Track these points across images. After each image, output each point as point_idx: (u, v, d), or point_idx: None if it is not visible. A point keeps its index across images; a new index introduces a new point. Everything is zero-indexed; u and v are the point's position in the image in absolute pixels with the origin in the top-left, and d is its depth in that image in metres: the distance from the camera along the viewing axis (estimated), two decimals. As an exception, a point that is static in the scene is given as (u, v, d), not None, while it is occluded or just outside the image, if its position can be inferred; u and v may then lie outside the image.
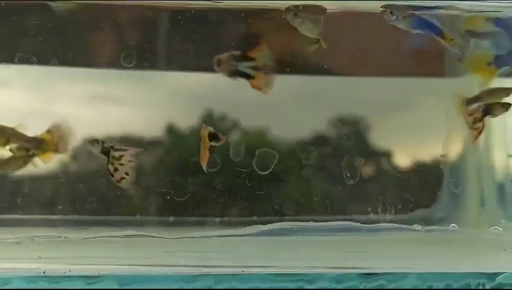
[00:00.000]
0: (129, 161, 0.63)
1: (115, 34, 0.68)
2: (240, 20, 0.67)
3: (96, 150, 0.64)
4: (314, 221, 0.66)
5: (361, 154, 0.68)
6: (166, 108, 0.69)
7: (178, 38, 0.67)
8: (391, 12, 0.63)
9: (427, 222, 0.69)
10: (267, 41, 0.64)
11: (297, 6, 0.61)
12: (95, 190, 0.65)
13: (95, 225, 0.63)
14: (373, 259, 0.66)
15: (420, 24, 0.65)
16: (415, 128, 0.74)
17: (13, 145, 0.63)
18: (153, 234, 0.63)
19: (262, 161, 0.65)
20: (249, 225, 0.65)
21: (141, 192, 0.66)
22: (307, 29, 0.62)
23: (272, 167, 0.65)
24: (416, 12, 0.64)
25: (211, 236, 0.64)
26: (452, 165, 0.74)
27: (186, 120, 0.68)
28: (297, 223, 0.65)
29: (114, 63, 0.67)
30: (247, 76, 0.64)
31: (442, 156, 0.73)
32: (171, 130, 0.68)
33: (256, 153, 0.64)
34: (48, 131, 0.65)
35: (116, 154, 0.64)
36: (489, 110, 0.69)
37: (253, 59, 0.64)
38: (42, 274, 0.59)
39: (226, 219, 0.65)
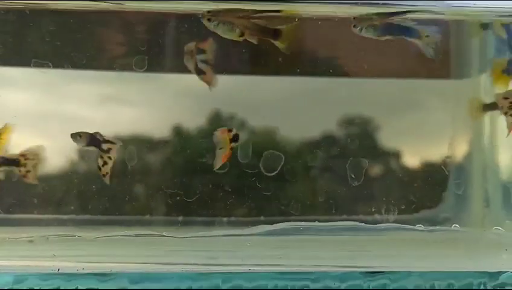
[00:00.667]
0: (114, 156, 0.65)
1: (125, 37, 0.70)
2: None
3: (81, 144, 0.65)
4: (319, 221, 0.67)
5: (368, 156, 0.70)
6: (173, 109, 0.71)
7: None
8: (354, 26, 0.65)
9: (432, 222, 0.71)
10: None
11: (210, 12, 0.64)
12: (106, 190, 0.67)
13: (107, 225, 0.65)
14: (376, 258, 0.67)
15: (390, 30, 0.66)
16: (421, 130, 0.75)
17: None
18: (163, 233, 0.65)
19: (269, 162, 0.67)
20: (256, 225, 0.66)
21: (151, 192, 0.68)
22: (223, 32, 0.65)
23: (279, 168, 0.66)
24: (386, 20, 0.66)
25: (219, 235, 0.66)
26: (457, 166, 0.75)
27: (193, 121, 0.70)
28: (303, 223, 0.67)
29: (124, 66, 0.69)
30: (200, 72, 0.67)
31: (448, 157, 0.74)
32: (179, 131, 0.70)
33: (263, 155, 0.66)
34: (23, 155, 0.66)
35: (105, 146, 0.66)
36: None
37: (204, 52, 0.67)
38: (56, 272, 0.62)
39: (233, 218, 0.67)
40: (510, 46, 0.72)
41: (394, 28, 0.66)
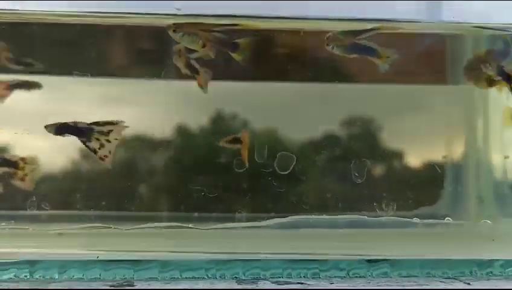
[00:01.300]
0: (115, 139, 0.70)
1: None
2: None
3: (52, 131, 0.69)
4: (327, 215, 0.75)
5: (370, 155, 0.77)
6: (199, 112, 0.77)
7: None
8: (327, 44, 0.73)
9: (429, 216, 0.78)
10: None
11: (175, 24, 0.70)
12: (141, 187, 0.74)
13: (140, 218, 0.73)
14: (378, 248, 0.75)
15: (356, 49, 0.74)
16: (421, 131, 0.82)
17: None
18: (189, 225, 0.73)
19: (281, 162, 0.74)
20: (270, 219, 0.74)
21: (181, 190, 0.75)
22: (187, 42, 0.71)
23: (291, 168, 0.74)
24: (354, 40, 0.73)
25: (239, 228, 0.74)
26: (453, 165, 0.82)
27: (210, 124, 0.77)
28: (312, 216, 0.75)
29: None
30: (195, 71, 0.73)
31: (444, 157, 0.82)
32: (202, 133, 0.77)
33: (277, 155, 0.74)
34: (23, 159, 0.71)
35: (105, 129, 0.70)
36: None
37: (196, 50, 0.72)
38: (96, 259, 0.70)
39: (250, 213, 0.75)
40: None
41: (359, 48, 0.74)
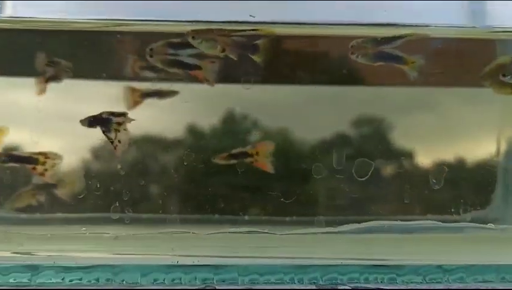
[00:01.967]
0: (124, 130, 0.71)
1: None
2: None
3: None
4: (402, 221, 0.75)
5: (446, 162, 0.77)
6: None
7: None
8: (352, 52, 0.73)
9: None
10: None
11: (195, 31, 0.71)
12: (222, 192, 0.75)
13: (219, 223, 0.74)
14: (453, 254, 0.75)
15: (381, 57, 0.74)
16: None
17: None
18: (266, 231, 0.74)
19: (360, 168, 0.74)
20: (346, 224, 0.74)
21: (258, 195, 0.76)
22: (206, 48, 0.72)
23: (369, 173, 0.74)
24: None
25: (315, 233, 0.74)
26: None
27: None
28: (387, 222, 0.75)
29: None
30: (189, 66, 0.73)
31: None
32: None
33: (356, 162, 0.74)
34: (44, 154, 0.72)
35: (120, 119, 0.71)
36: None
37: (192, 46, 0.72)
38: (176, 263, 0.71)
39: (328, 218, 0.75)
40: None
41: (384, 55, 0.74)
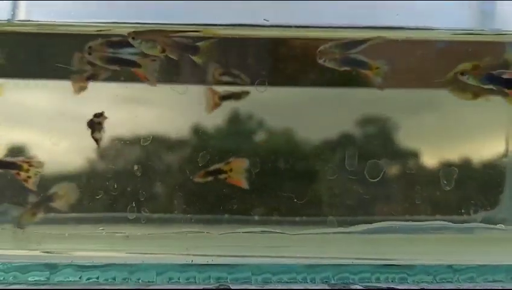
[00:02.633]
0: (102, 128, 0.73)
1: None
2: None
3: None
4: (413, 221, 0.76)
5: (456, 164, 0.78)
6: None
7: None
8: (319, 58, 0.75)
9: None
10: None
11: (135, 32, 0.72)
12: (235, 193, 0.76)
13: (232, 223, 0.75)
14: (463, 254, 0.76)
15: (347, 62, 0.75)
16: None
17: None
18: (278, 231, 0.75)
19: (371, 170, 0.76)
20: (358, 224, 0.76)
21: (267, 196, 0.77)
22: (146, 48, 0.73)
23: (381, 174, 0.76)
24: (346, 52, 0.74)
25: (326, 233, 0.76)
26: None
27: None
28: (398, 222, 0.76)
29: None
30: (130, 63, 0.74)
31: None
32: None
33: (367, 163, 0.75)
34: (27, 162, 0.73)
35: (101, 119, 0.74)
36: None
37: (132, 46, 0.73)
38: (190, 263, 0.72)
39: (339, 218, 0.76)
40: None
41: (349, 60, 0.75)
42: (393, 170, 0.77)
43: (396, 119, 0.78)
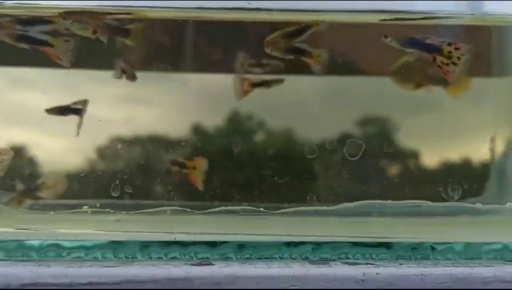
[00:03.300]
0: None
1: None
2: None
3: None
4: (392, 200, 0.78)
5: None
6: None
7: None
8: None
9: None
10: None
11: (66, 12, 0.72)
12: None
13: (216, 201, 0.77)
14: (442, 233, 0.77)
15: (291, 51, 0.77)
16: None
17: None
18: (261, 209, 0.76)
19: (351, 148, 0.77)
20: (340, 203, 0.77)
21: (253, 177, 0.79)
22: (77, 29, 0.73)
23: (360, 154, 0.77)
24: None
25: (306, 211, 0.77)
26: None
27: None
28: (378, 201, 0.78)
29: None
30: (40, 43, 0.73)
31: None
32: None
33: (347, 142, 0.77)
34: None
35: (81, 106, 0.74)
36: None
37: (49, 22, 0.73)
38: (173, 240, 0.73)
39: (320, 196, 0.78)
40: None
41: (293, 49, 0.77)
42: (372, 148, 0.79)
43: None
